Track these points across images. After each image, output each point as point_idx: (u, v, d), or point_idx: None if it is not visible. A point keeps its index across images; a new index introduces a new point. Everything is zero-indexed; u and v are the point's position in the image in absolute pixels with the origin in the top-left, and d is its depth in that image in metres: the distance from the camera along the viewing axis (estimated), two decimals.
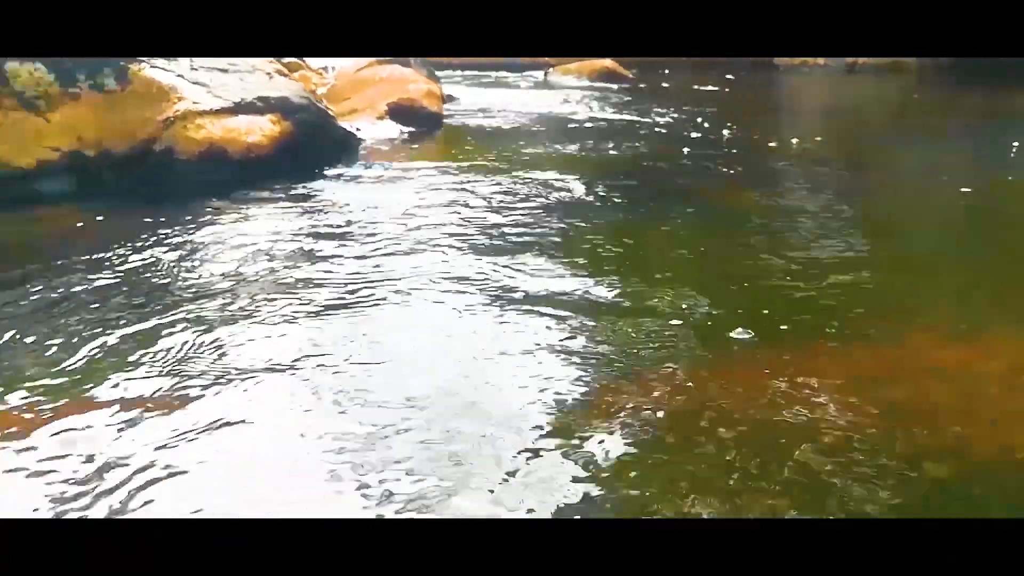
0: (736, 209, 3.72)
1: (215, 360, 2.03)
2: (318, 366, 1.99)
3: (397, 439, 1.67)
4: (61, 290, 2.50)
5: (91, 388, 1.88)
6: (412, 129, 5.77)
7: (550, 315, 2.31)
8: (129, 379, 1.92)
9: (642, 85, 9.47)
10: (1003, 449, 1.68)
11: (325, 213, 3.46)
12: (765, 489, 1.52)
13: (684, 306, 2.39)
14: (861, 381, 1.95)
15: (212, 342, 2.13)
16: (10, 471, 1.56)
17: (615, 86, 9.40)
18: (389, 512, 1.45)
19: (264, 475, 1.57)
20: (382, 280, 2.60)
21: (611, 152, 5.19)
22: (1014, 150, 5.13)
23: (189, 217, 3.33)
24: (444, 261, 2.80)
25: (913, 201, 4.02)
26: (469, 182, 4.03)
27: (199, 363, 2.01)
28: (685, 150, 5.16)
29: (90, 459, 1.60)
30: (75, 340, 2.13)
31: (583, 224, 3.33)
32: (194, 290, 2.52)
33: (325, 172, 4.23)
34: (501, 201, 3.66)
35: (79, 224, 3.29)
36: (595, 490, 1.51)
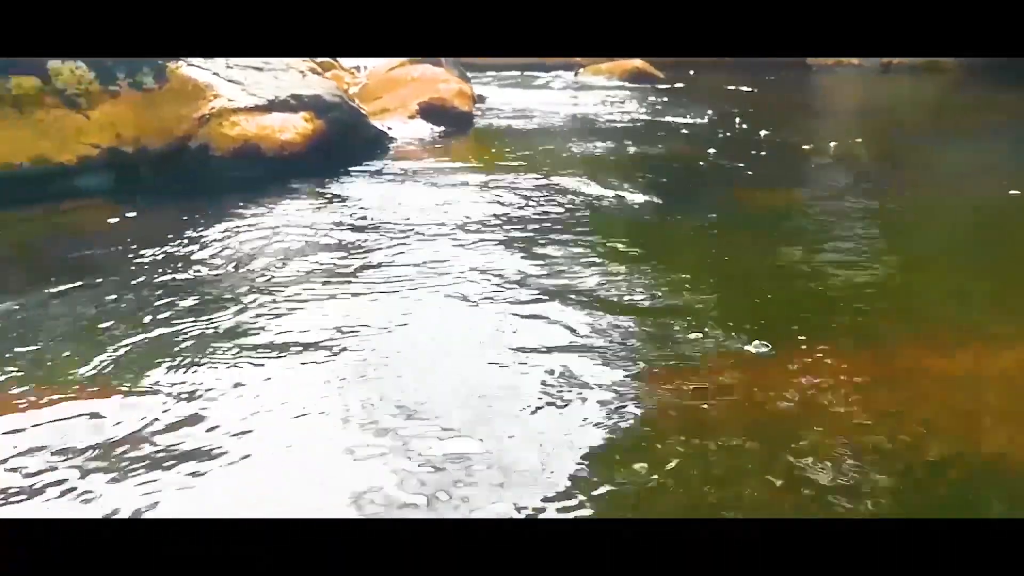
0: (770, 210, 3.69)
1: (242, 353, 2.06)
2: (347, 364, 2.01)
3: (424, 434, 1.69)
4: (99, 283, 2.55)
5: (119, 380, 1.92)
6: (443, 128, 5.79)
7: (574, 311, 2.31)
8: (159, 371, 1.96)
9: (673, 85, 9.41)
10: None
11: (356, 211, 3.49)
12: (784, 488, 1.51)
13: (704, 306, 2.38)
14: (883, 384, 1.93)
15: (240, 337, 2.16)
16: (41, 471, 1.60)
17: (646, 86, 9.36)
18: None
19: (296, 471, 1.59)
20: (410, 277, 2.62)
21: (642, 152, 5.16)
22: None
23: (223, 213, 3.38)
24: (471, 258, 2.82)
25: (961, 202, 3.91)
26: (498, 182, 4.04)
27: (228, 356, 2.04)
28: (711, 150, 5.12)
29: (112, 450, 1.63)
30: (106, 334, 2.18)
31: (611, 223, 3.33)
32: (226, 285, 2.56)
33: (357, 170, 4.26)
34: (529, 201, 3.66)
35: (116, 219, 3.35)
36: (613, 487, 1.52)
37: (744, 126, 6.12)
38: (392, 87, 6.41)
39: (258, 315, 2.30)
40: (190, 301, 2.41)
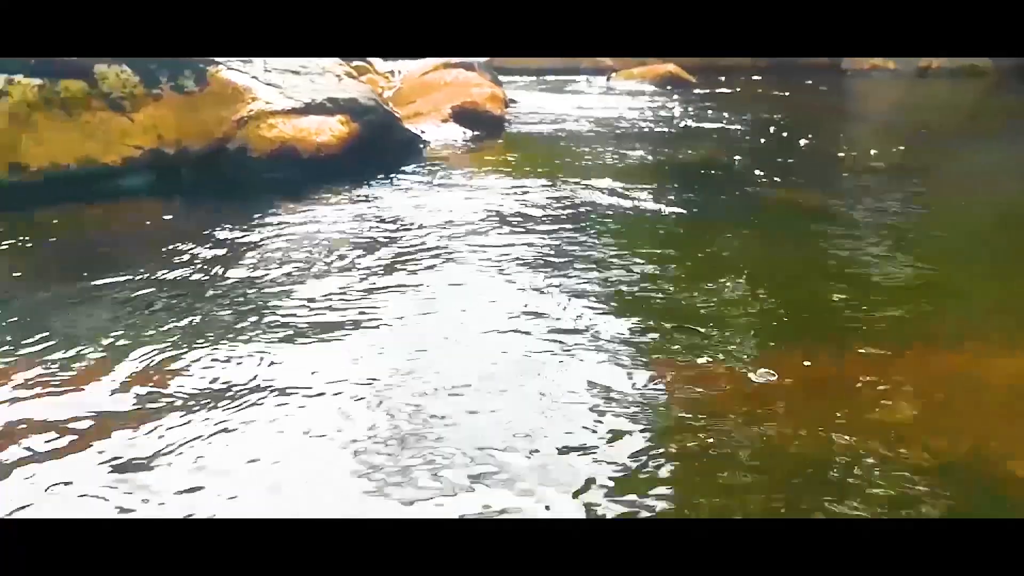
0: (809, 215, 3.65)
1: (270, 351, 2.12)
2: (368, 377, 2.02)
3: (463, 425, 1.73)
4: (138, 279, 2.64)
5: (157, 367, 1.99)
6: (475, 132, 5.85)
7: (601, 319, 2.33)
8: (188, 368, 2.03)
9: (706, 90, 9.39)
10: None
11: (389, 213, 3.54)
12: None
13: (739, 311, 2.39)
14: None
15: (279, 330, 2.22)
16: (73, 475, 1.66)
17: (679, 91, 9.35)
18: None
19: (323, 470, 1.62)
20: (440, 282, 2.64)
21: (673, 157, 5.17)
22: None
23: (259, 213, 3.46)
24: (500, 262, 2.86)
25: (1006, 206, 3.84)
26: (529, 186, 4.06)
27: (259, 353, 2.10)
28: (736, 157, 5.11)
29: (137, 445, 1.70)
30: (137, 330, 2.25)
31: (642, 230, 3.33)
32: (261, 285, 2.63)
33: (390, 173, 4.32)
34: (560, 205, 3.68)
35: (157, 217, 3.45)
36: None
37: (784, 134, 6.05)
38: (426, 91, 6.50)
39: (295, 308, 2.36)
40: (227, 296, 2.48)
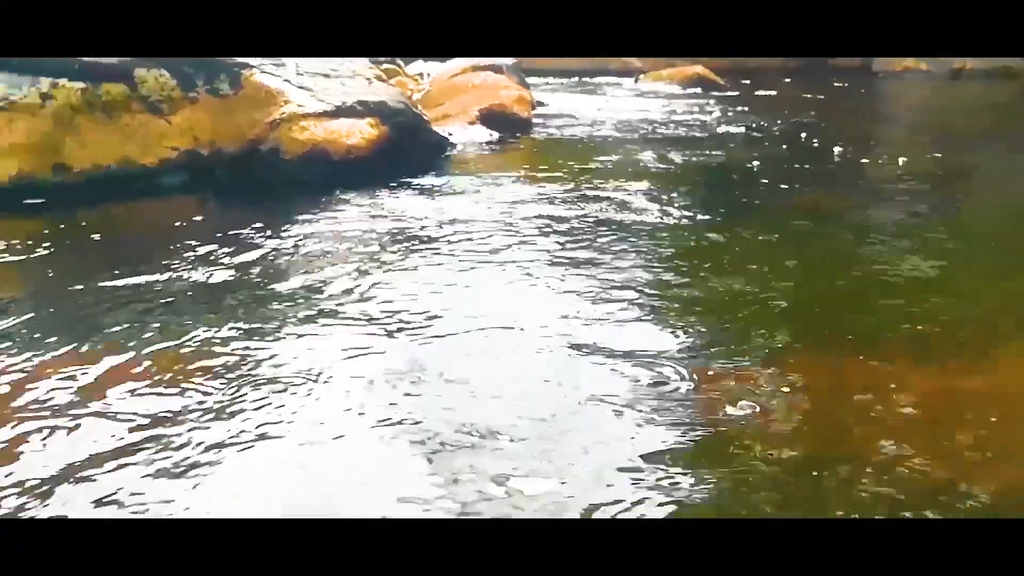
0: (840, 222, 3.62)
1: (291, 349, 2.20)
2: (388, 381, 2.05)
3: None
4: (173, 276, 2.74)
5: (196, 352, 2.08)
6: (502, 134, 5.92)
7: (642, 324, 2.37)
8: (237, 348, 2.12)
9: (735, 93, 9.37)
10: None
11: (415, 215, 3.61)
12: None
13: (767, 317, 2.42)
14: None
15: (294, 333, 2.31)
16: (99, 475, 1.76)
17: (707, 93, 9.34)
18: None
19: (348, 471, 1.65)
20: (465, 286, 2.69)
21: (701, 162, 5.17)
22: None
23: (290, 212, 3.57)
24: (528, 265, 2.91)
25: None
26: (554, 190, 4.09)
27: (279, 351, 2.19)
28: (755, 163, 5.10)
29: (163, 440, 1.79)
30: (179, 316, 2.36)
31: (671, 233, 3.35)
32: (289, 283, 2.71)
33: (418, 174, 4.39)
34: (584, 208, 3.71)
35: (191, 216, 3.58)
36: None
37: (815, 140, 5.97)
38: (454, 93, 6.58)
39: (314, 316, 2.45)
40: (261, 290, 2.58)
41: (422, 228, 3.37)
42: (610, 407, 1.82)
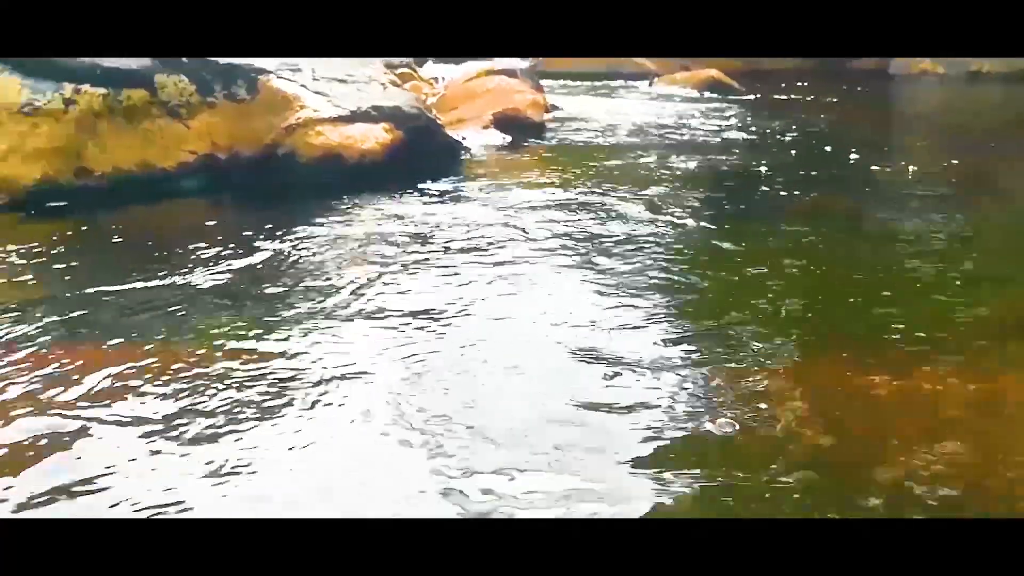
0: (848, 228, 3.62)
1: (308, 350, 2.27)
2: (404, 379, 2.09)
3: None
4: (194, 276, 2.82)
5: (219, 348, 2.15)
6: (516, 138, 5.96)
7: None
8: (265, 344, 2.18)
9: (750, 96, 9.35)
10: None
11: (428, 219, 3.66)
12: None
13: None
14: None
15: (313, 334, 2.37)
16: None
17: (722, 97, 9.34)
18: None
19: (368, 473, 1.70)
20: (477, 289, 2.72)
21: (712, 166, 5.18)
22: None
23: (306, 215, 3.64)
24: (537, 268, 2.95)
25: None
26: (567, 195, 4.11)
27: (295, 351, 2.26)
28: (763, 168, 5.11)
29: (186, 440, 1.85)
30: (200, 314, 2.43)
31: (678, 237, 3.38)
32: (304, 285, 2.77)
33: (432, 178, 4.44)
34: (598, 214, 3.73)
35: (209, 218, 3.66)
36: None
37: (828, 146, 5.93)
38: (468, 97, 6.65)
39: (338, 303, 2.51)
40: (277, 289, 2.66)
41: (434, 231, 3.42)
42: (617, 411, 1.86)
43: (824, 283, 2.85)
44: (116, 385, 1.99)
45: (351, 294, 2.64)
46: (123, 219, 3.63)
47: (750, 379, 2.01)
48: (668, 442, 1.74)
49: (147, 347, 2.21)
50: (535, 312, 2.49)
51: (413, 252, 3.13)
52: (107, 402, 1.91)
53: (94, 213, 3.66)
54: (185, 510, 1.51)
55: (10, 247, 3.12)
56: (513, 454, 1.68)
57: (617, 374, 2.05)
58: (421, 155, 4.60)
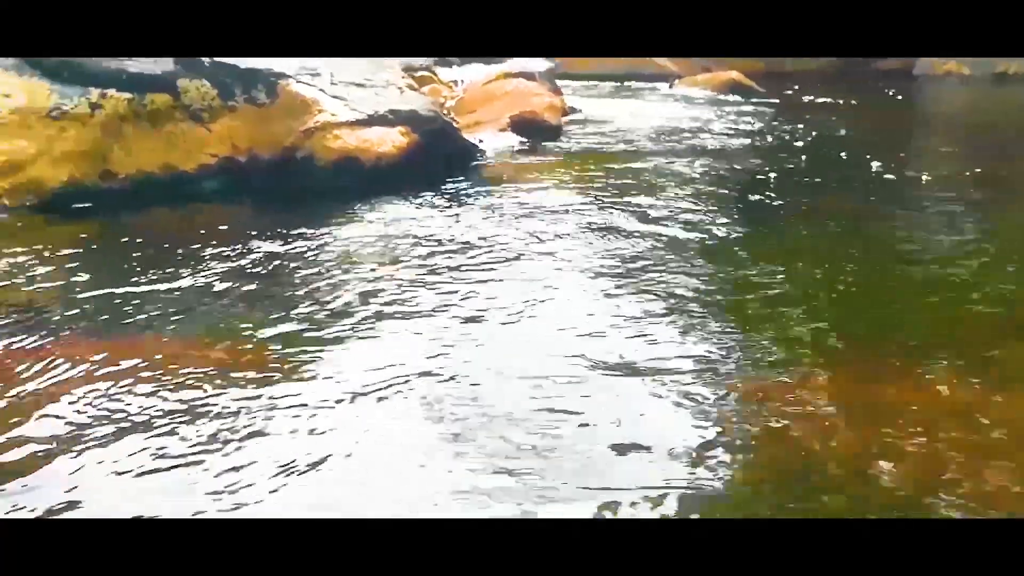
0: (866, 233, 3.59)
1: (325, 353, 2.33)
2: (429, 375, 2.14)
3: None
4: (214, 275, 2.91)
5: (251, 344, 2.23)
6: (532, 141, 5.98)
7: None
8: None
9: (772, 99, 9.27)
10: None
11: (441, 221, 3.72)
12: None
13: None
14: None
15: (331, 337, 2.44)
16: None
17: (743, 99, 9.28)
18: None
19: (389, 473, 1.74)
20: (492, 293, 2.76)
21: (732, 169, 5.13)
22: None
23: (324, 216, 3.72)
24: (551, 272, 3.00)
25: None
26: (582, 198, 4.12)
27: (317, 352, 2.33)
28: (772, 175, 5.08)
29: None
30: (226, 312, 2.51)
31: (697, 242, 3.37)
32: (320, 284, 2.86)
33: (448, 181, 4.49)
34: (614, 218, 3.73)
35: (229, 221, 3.75)
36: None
37: (845, 151, 5.84)
38: (487, 100, 6.70)
39: (365, 302, 2.58)
40: (299, 290, 2.74)
41: (448, 234, 3.48)
42: (644, 416, 1.89)
43: (845, 291, 2.83)
44: (137, 383, 2.06)
45: (364, 298, 2.70)
46: (146, 220, 3.74)
47: (777, 387, 2.02)
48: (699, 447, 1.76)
49: (170, 345, 2.30)
50: (551, 317, 2.51)
51: (425, 256, 3.19)
52: (127, 400, 1.98)
53: (118, 214, 3.77)
54: (238, 507, 1.54)
55: (37, 247, 3.24)
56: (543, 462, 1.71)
57: (638, 380, 2.07)
58: (437, 158, 4.67)
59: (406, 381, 2.08)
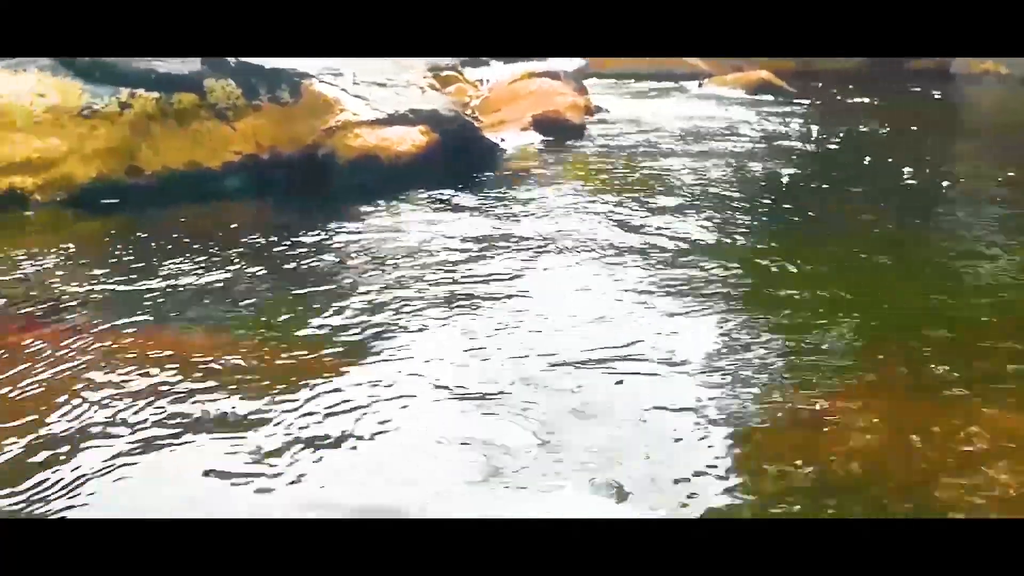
0: (897, 240, 3.55)
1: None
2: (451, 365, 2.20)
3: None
4: (239, 271, 2.99)
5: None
6: (556, 140, 5.98)
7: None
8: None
9: (804, 100, 9.15)
10: None
11: (461, 219, 3.76)
12: None
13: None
14: None
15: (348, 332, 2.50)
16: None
17: (773, 99, 9.18)
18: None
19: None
20: (511, 291, 2.79)
21: (759, 171, 5.07)
22: None
23: (346, 213, 3.80)
24: (573, 271, 3.01)
25: None
26: (603, 200, 4.10)
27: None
28: (795, 176, 5.00)
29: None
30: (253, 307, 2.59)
31: (718, 246, 3.35)
32: (342, 280, 2.92)
33: (467, 179, 4.52)
34: (636, 219, 3.71)
35: (254, 217, 3.86)
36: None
37: (871, 155, 5.68)
38: (512, 99, 6.73)
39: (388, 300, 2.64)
40: (325, 286, 2.82)
41: (466, 231, 3.51)
42: (671, 424, 1.91)
43: (873, 297, 2.79)
44: (165, 376, 2.13)
45: (383, 293, 2.75)
46: (172, 216, 3.84)
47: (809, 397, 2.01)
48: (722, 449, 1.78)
49: (194, 339, 2.37)
50: (571, 319, 2.51)
51: (446, 250, 3.23)
52: (151, 395, 2.04)
53: (144, 210, 3.89)
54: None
55: (66, 241, 3.36)
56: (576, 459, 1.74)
57: (671, 384, 2.09)
58: (458, 157, 4.72)
59: (435, 379, 2.12)
